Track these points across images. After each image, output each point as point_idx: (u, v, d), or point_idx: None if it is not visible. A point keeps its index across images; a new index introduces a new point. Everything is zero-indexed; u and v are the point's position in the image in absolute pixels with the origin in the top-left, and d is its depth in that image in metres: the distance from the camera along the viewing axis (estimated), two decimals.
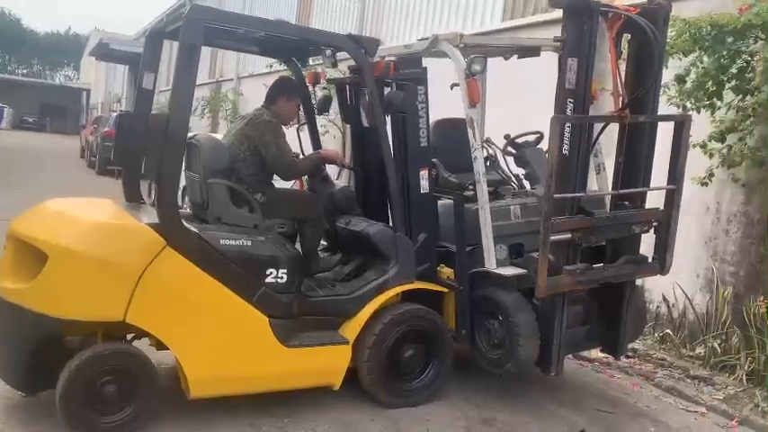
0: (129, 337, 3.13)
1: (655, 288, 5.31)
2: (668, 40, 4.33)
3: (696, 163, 4.60)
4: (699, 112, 4.52)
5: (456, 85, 3.77)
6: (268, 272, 3.14)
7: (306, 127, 4.26)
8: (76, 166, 17.38)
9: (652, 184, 3.66)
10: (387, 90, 3.75)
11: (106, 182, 12.65)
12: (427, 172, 3.75)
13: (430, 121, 4.15)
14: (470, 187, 4.36)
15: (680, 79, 4.50)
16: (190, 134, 3.31)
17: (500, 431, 3.49)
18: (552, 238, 3.22)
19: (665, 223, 3.62)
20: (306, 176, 4.12)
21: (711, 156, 4.62)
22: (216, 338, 3.01)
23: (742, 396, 4.22)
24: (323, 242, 4.34)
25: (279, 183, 3.87)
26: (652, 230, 3.67)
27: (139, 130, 3.43)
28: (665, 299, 5.23)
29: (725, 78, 4.39)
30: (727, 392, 4.28)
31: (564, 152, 3.29)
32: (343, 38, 3.42)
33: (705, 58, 4.41)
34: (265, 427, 3.21)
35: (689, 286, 5.09)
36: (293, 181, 4.39)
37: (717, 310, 4.81)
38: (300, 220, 3.74)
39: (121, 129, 3.50)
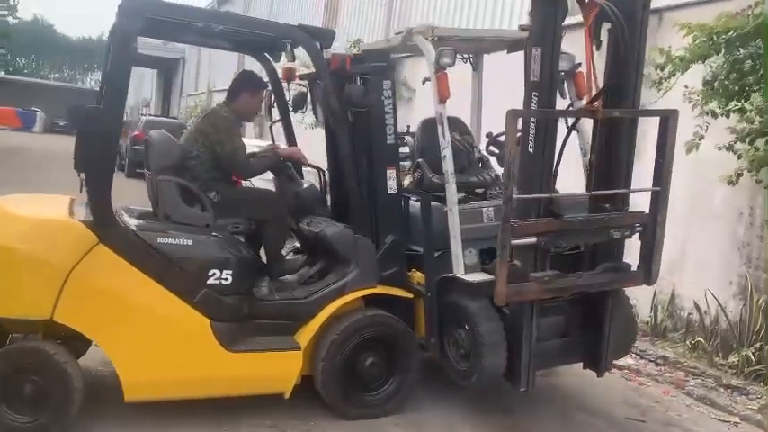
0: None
1: (686, 295, 5.39)
2: (687, 46, 4.51)
3: (724, 166, 4.70)
4: (728, 116, 4.56)
5: (428, 79, 3.73)
6: (210, 272, 3.13)
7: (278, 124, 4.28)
8: None
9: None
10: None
11: (134, 184, 13.07)
12: (395, 171, 3.69)
13: (418, 121, 4.08)
14: None
15: (707, 84, 4.56)
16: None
17: None
18: (515, 242, 3.12)
19: (650, 228, 3.46)
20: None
21: (740, 157, 4.61)
22: (151, 340, 3.00)
23: None
24: (296, 244, 4.34)
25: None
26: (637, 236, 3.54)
27: None
28: (696, 306, 5.22)
29: (751, 81, 4.41)
30: (761, 402, 4.24)
31: (529, 150, 3.21)
32: (294, 29, 3.39)
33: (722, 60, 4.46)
34: (290, 430, 3.29)
35: (721, 293, 5.09)
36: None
37: (751, 317, 4.80)
38: (261, 220, 3.71)
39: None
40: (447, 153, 3.60)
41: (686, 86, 4.69)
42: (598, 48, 3.39)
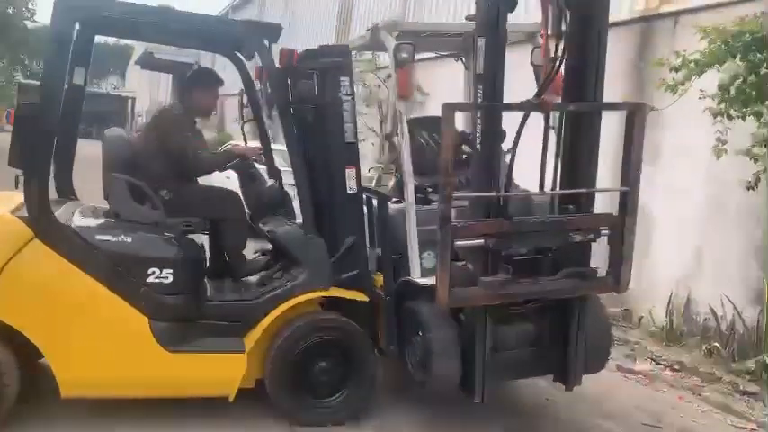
0: None
1: (702, 300, 5.50)
2: (702, 50, 4.56)
3: (742, 170, 4.73)
4: (744, 119, 4.58)
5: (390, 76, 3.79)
6: (150, 271, 3.20)
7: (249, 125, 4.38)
8: None
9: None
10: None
11: None
12: (354, 170, 3.73)
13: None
14: (429, 189, 4.35)
15: (722, 88, 4.56)
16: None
17: None
18: (459, 243, 3.12)
19: (618, 232, 3.40)
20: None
21: (756, 160, 4.61)
22: (86, 337, 3.08)
23: None
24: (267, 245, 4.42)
25: None
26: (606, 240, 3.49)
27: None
28: (712, 311, 5.32)
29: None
30: None
31: (476, 146, 3.22)
32: (238, 24, 3.47)
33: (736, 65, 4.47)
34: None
35: (738, 298, 5.18)
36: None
37: (767, 323, 4.87)
38: (216, 219, 3.80)
39: None
40: (404, 152, 3.65)
41: (701, 90, 4.67)
42: (560, 37, 3.39)
